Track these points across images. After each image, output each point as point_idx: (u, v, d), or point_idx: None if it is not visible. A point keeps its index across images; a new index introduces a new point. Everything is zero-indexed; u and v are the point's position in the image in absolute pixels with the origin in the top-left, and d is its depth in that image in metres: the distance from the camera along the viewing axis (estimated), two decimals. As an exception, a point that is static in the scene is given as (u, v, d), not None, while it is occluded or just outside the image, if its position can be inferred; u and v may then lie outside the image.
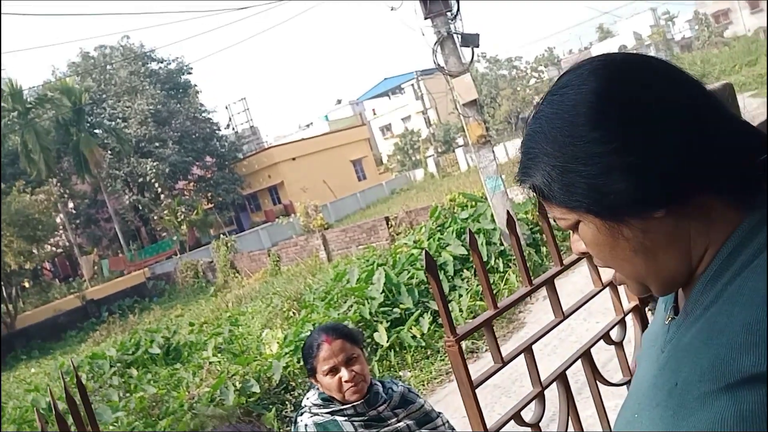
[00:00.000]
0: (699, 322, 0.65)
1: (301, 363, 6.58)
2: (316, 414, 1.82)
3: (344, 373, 1.74)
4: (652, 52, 51.01)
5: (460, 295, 8.00)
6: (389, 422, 1.80)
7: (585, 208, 0.67)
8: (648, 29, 57.67)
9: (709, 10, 52.39)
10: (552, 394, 1.33)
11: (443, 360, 6.98)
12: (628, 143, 0.63)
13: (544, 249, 9.31)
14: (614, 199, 0.64)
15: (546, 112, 0.70)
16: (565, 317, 1.38)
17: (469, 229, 1.29)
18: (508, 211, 1.27)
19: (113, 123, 32.54)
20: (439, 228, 9.92)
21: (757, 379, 0.55)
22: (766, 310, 0.57)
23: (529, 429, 1.25)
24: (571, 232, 0.74)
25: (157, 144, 32.90)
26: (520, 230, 9.66)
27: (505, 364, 1.22)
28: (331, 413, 1.80)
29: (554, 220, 0.77)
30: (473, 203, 10.71)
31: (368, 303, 7.68)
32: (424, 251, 1.09)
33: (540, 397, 1.27)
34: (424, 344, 7.23)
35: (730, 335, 0.58)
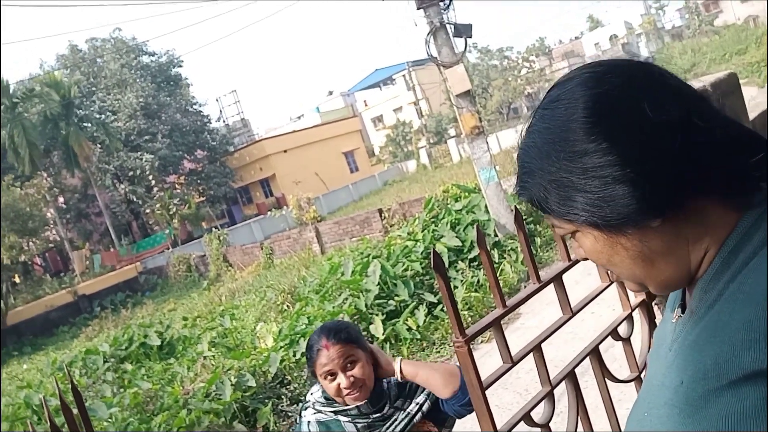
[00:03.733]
0: (703, 320, 0.66)
1: (297, 357, 6.56)
2: (319, 411, 1.79)
3: (342, 380, 1.71)
4: (642, 42, 51.12)
5: (455, 287, 7.98)
6: (394, 418, 1.76)
7: (582, 220, 0.68)
8: (638, 18, 57.72)
9: (700, -1, 52.43)
10: (557, 391, 1.30)
11: (439, 352, 6.98)
12: (623, 156, 0.64)
13: (537, 240, 9.31)
14: (612, 211, 0.65)
15: (539, 127, 0.71)
16: (574, 314, 1.35)
17: (477, 225, 1.26)
18: (516, 207, 1.24)
19: (103, 116, 32.25)
20: (433, 219, 9.90)
21: (759, 376, 0.56)
22: (765, 307, 0.58)
23: (538, 429, 1.22)
24: (570, 236, 0.75)
25: (147, 137, 32.69)
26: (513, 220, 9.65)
27: (514, 363, 1.19)
28: (335, 412, 1.76)
29: (552, 226, 0.78)
30: (467, 194, 10.69)
31: (364, 295, 7.66)
32: (432, 250, 1.06)
33: (549, 396, 1.24)
34: (419, 336, 7.22)
35: (731, 333, 0.60)
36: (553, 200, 0.69)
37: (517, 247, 8.85)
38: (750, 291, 0.61)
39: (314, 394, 1.85)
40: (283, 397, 6.10)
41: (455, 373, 1.72)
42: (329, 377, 1.72)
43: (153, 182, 30.74)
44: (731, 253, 0.65)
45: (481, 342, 6.62)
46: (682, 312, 0.74)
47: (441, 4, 8.98)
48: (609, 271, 1.62)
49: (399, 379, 1.76)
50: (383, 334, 7.14)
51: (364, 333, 7.25)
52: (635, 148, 0.64)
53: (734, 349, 0.58)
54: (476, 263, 8.63)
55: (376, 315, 7.40)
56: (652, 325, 1.58)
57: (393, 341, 7.25)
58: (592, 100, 0.66)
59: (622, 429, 1.55)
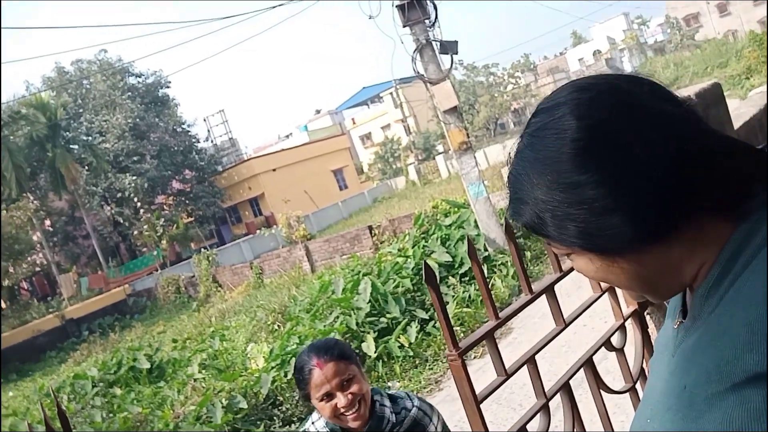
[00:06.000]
0: (704, 325, 0.66)
1: (288, 377, 6.49)
2: None
3: (340, 399, 1.60)
4: (626, 57, 51.84)
5: (446, 303, 7.96)
6: None
7: (578, 246, 0.68)
8: (621, 34, 58.59)
9: (680, 14, 53.40)
10: (552, 404, 1.29)
11: (432, 369, 6.94)
12: (616, 187, 0.64)
13: (528, 254, 9.33)
14: (607, 240, 0.66)
15: (528, 155, 0.70)
16: (567, 325, 1.35)
17: (468, 237, 1.25)
18: (506, 219, 1.24)
19: (90, 138, 32.11)
20: (423, 235, 9.90)
21: (762, 378, 0.55)
22: (766, 309, 0.57)
23: (534, 443, 1.21)
24: (566, 255, 0.76)
25: (135, 158, 32.56)
26: (503, 235, 9.68)
27: (509, 376, 1.17)
28: None
29: (548, 244, 0.77)
30: (456, 209, 10.71)
31: (355, 313, 7.61)
32: (424, 263, 1.05)
33: (545, 408, 1.23)
34: (412, 354, 7.17)
35: (733, 335, 0.59)
36: (549, 226, 0.69)
37: (507, 262, 8.86)
38: (750, 293, 0.61)
39: (315, 423, 1.74)
40: (275, 418, 6.03)
41: None
42: (325, 398, 1.62)
43: (140, 203, 30.55)
44: (730, 259, 0.65)
45: (474, 357, 6.59)
46: (683, 318, 0.74)
47: (426, 21, 9.07)
48: (601, 284, 1.62)
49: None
50: (375, 352, 7.09)
51: (356, 351, 7.19)
52: (627, 178, 0.64)
53: (736, 352, 0.58)
54: (467, 278, 8.62)
55: (368, 333, 7.35)
56: (645, 334, 1.58)
57: (385, 359, 7.20)
58: (580, 130, 0.66)
59: (619, 440, 1.54)
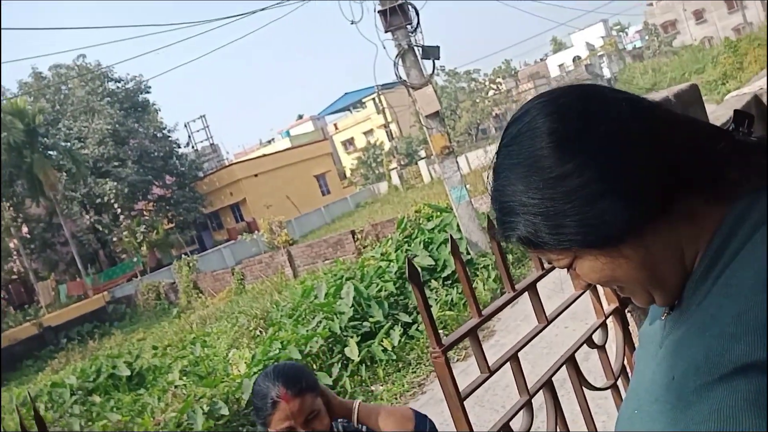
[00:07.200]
0: (693, 315, 0.66)
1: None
2: None
3: None
4: (605, 63, 52.49)
5: (429, 306, 7.98)
6: None
7: (579, 244, 0.67)
8: (600, 40, 59.32)
9: (659, 21, 54.25)
10: (535, 403, 1.29)
11: (415, 372, 6.93)
12: (600, 170, 0.64)
13: (510, 256, 9.37)
14: (605, 227, 0.65)
15: (507, 164, 0.70)
16: (549, 322, 1.35)
17: (451, 237, 1.25)
18: (488, 216, 1.24)
19: (69, 144, 31.67)
20: (406, 239, 9.90)
21: (750, 368, 0.56)
22: (754, 300, 0.58)
23: (518, 440, 1.21)
24: (568, 270, 0.74)
25: (115, 164, 32.20)
26: (486, 239, 9.72)
27: (492, 373, 1.17)
28: None
29: (549, 262, 0.76)
30: (439, 214, 10.74)
31: (338, 318, 7.59)
32: (407, 259, 1.05)
33: (528, 405, 1.23)
34: (395, 357, 7.17)
35: (721, 326, 0.60)
36: (544, 232, 0.67)
37: (489, 265, 8.90)
38: (738, 284, 0.61)
39: None
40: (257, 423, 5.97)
41: (409, 416, 1.64)
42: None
43: (120, 209, 30.19)
44: (718, 250, 0.66)
45: (457, 360, 6.60)
46: (671, 309, 0.74)
47: (408, 27, 9.10)
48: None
49: (355, 423, 1.65)
50: (359, 356, 7.07)
51: (339, 355, 7.16)
52: (609, 159, 0.64)
53: (725, 343, 0.58)
54: (450, 282, 8.64)
55: (351, 337, 7.33)
56: (626, 332, 1.59)
57: (368, 363, 7.18)
58: (554, 122, 0.66)
59: (601, 437, 1.55)
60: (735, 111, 0.71)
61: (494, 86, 46.73)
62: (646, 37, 56.53)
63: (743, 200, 0.66)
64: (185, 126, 44.52)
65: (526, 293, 1.33)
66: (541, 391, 1.29)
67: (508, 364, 1.26)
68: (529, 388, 1.26)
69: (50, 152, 30.95)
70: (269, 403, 1.54)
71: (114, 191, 30.70)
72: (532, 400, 1.28)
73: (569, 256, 0.69)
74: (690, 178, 0.65)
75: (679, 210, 0.66)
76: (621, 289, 0.73)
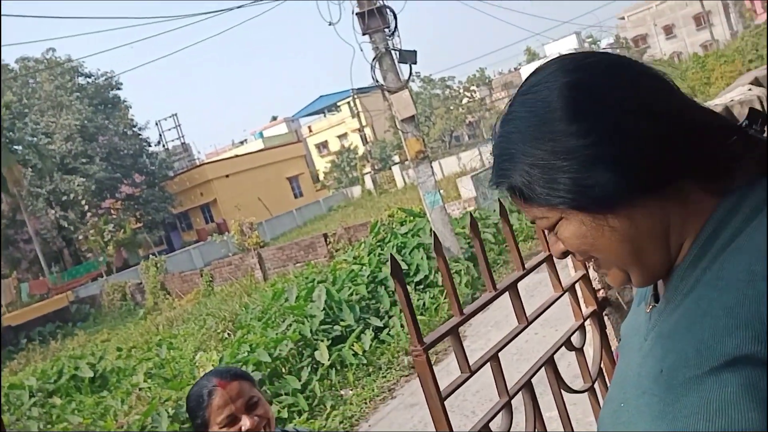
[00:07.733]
0: (681, 307, 0.66)
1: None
2: None
3: (246, 422, 1.43)
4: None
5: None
6: None
7: (569, 204, 0.67)
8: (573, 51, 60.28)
9: (630, 35, 55.44)
10: (514, 404, 1.28)
11: (385, 377, 6.90)
12: (607, 134, 0.64)
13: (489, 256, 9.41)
14: (598, 190, 0.65)
15: (519, 112, 0.70)
16: (529, 323, 1.34)
17: (435, 234, 1.23)
18: (470, 214, 1.22)
19: (36, 139, 30.90)
20: (379, 243, 9.89)
21: (741, 362, 0.56)
22: (746, 293, 0.57)
23: (496, 442, 1.19)
24: (546, 232, 0.74)
25: (83, 160, 31.54)
26: (458, 244, 9.75)
27: (472, 373, 1.15)
28: None
29: (532, 222, 0.76)
30: (412, 218, 10.75)
31: (308, 321, 7.52)
32: (390, 255, 1.02)
33: (507, 407, 1.21)
34: (365, 362, 7.12)
35: (712, 319, 0.59)
36: (537, 184, 0.67)
37: (461, 270, 8.92)
38: (729, 277, 0.61)
39: None
40: (224, 427, 5.87)
41: None
42: (228, 423, 1.43)
43: (87, 207, 29.55)
44: (708, 240, 0.66)
45: (435, 362, 6.59)
46: (656, 302, 0.74)
47: (386, 30, 9.11)
48: (562, 283, 1.63)
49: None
50: (329, 360, 7.01)
51: (309, 359, 7.09)
52: (614, 129, 0.65)
53: (716, 336, 0.58)
54: (422, 287, 8.63)
55: (322, 341, 7.26)
56: (603, 335, 1.59)
57: (339, 367, 7.12)
58: (573, 82, 0.67)
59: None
60: (750, 109, 0.72)
61: (468, 94, 47.12)
62: (617, 50, 57.67)
63: (737, 192, 0.66)
64: (156, 124, 43.97)
65: (506, 293, 1.32)
66: (520, 393, 1.28)
67: (488, 365, 1.24)
68: (509, 389, 1.24)
69: (15, 147, 30.17)
70: (205, 394, 1.46)
71: (81, 188, 30.05)
72: (512, 399, 1.26)
73: (556, 216, 0.69)
74: (693, 163, 0.65)
75: (674, 192, 0.66)
76: (597, 262, 0.72)
